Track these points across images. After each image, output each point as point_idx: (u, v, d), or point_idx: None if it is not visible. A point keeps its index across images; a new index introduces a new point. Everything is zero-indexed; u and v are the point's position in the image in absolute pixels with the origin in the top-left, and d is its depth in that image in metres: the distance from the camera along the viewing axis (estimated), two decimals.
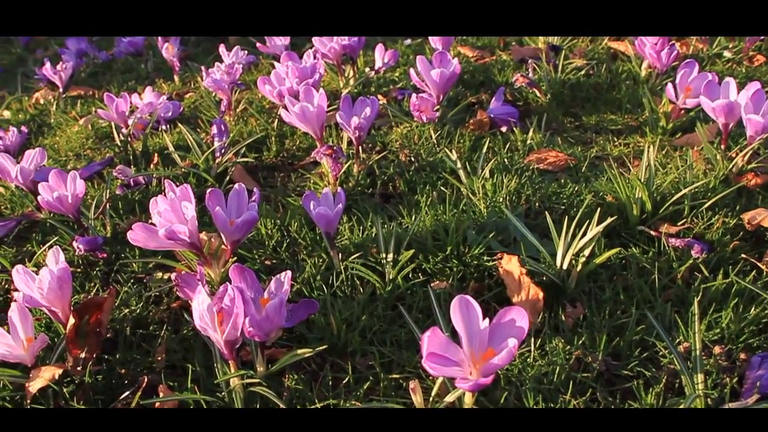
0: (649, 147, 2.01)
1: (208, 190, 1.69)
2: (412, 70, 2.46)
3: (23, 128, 2.74)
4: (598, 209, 1.73)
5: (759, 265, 1.74)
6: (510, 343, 1.12)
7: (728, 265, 1.73)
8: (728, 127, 2.20)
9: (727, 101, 2.10)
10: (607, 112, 2.75)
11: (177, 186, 1.70)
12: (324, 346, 1.42)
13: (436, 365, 1.14)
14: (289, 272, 1.41)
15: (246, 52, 3.35)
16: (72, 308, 1.60)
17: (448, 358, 1.16)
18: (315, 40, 2.94)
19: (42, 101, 3.83)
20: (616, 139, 2.54)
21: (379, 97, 2.90)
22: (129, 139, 2.72)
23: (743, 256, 1.77)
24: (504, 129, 2.53)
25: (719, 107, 2.12)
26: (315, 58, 2.63)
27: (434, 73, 2.36)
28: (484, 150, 2.23)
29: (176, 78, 3.77)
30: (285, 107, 2.16)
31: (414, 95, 2.35)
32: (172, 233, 1.60)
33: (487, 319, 1.18)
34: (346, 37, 2.90)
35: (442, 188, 2.15)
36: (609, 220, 1.68)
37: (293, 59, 2.62)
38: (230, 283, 1.37)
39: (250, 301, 1.34)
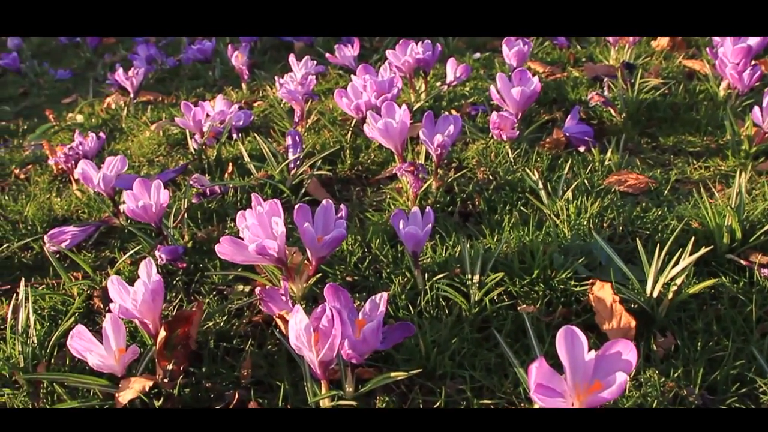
0: (740, 173, 1.96)
1: (297, 206, 1.69)
2: (492, 88, 2.44)
3: (101, 134, 2.79)
4: (692, 238, 1.69)
5: None
6: (619, 378, 1.10)
7: None
8: None
9: None
10: (686, 134, 2.69)
11: (264, 200, 1.71)
12: (418, 370, 1.41)
13: (543, 396, 1.12)
14: (384, 294, 1.41)
15: (315, 62, 3.37)
16: (162, 320, 1.62)
17: (553, 389, 1.15)
18: (389, 53, 2.94)
19: (113, 106, 3.90)
20: (695, 162, 2.49)
21: (452, 111, 2.90)
22: (203, 148, 2.75)
23: None
24: (581, 149, 2.49)
25: None
26: (392, 71, 2.63)
27: (515, 92, 2.35)
28: (565, 171, 2.20)
29: (244, 86, 3.81)
30: (363, 120, 2.16)
31: (494, 113, 2.34)
32: (262, 249, 1.61)
33: (593, 351, 1.16)
34: (421, 51, 2.90)
35: (523, 208, 2.13)
36: (703, 250, 1.64)
37: (370, 72, 2.62)
38: (326, 303, 1.36)
39: (347, 322, 1.33)
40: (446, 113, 2.73)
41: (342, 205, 1.78)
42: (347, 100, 2.52)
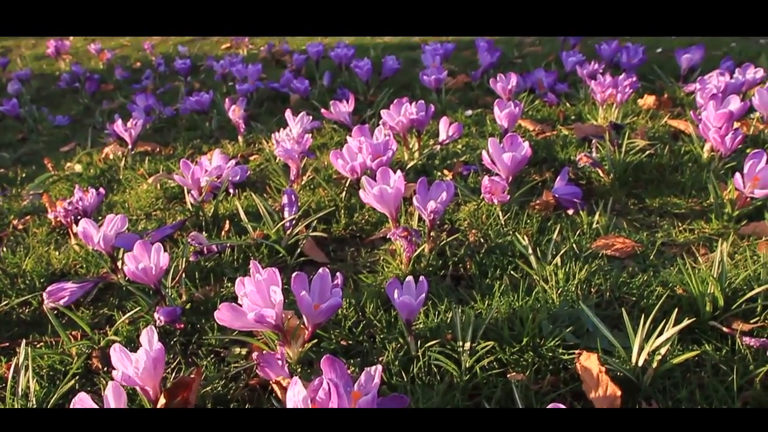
0: (721, 241, 2.03)
1: (294, 275, 1.75)
2: (483, 152, 2.52)
3: (101, 189, 2.84)
4: (676, 305, 1.75)
5: None
6: None
7: None
8: None
9: None
10: (671, 196, 2.77)
11: (260, 261, 1.77)
12: None
13: None
14: (379, 367, 1.46)
15: (311, 117, 3.45)
16: (162, 387, 1.66)
17: None
18: (383, 112, 3.02)
19: (111, 156, 3.96)
20: (680, 224, 2.56)
21: (445, 172, 2.97)
22: (200, 205, 2.81)
23: None
24: (570, 211, 2.57)
25: None
26: (386, 134, 2.71)
27: (506, 157, 2.42)
28: (554, 235, 2.27)
29: (240, 139, 3.88)
30: (358, 180, 2.23)
31: (486, 178, 2.41)
32: (260, 317, 1.66)
33: None
34: (414, 111, 2.98)
35: (512, 273, 2.19)
36: (686, 321, 1.70)
37: (365, 134, 2.70)
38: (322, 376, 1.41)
39: (344, 395, 1.38)
40: (439, 174, 2.82)
41: (338, 273, 1.84)
42: (343, 162, 2.59)
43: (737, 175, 2.45)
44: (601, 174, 2.90)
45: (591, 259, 2.25)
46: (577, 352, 1.74)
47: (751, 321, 1.92)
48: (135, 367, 1.59)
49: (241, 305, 1.74)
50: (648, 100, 3.88)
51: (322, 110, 3.60)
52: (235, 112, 3.82)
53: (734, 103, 2.91)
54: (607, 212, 2.56)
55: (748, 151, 3.13)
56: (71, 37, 8.51)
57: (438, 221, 2.48)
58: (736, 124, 3.43)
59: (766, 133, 3.33)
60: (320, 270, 1.81)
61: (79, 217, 2.69)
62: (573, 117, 3.76)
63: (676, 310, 1.75)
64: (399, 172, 2.18)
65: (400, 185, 2.16)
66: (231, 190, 3.09)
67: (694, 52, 4.25)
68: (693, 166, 2.99)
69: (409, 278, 1.79)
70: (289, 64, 5.47)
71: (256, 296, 1.74)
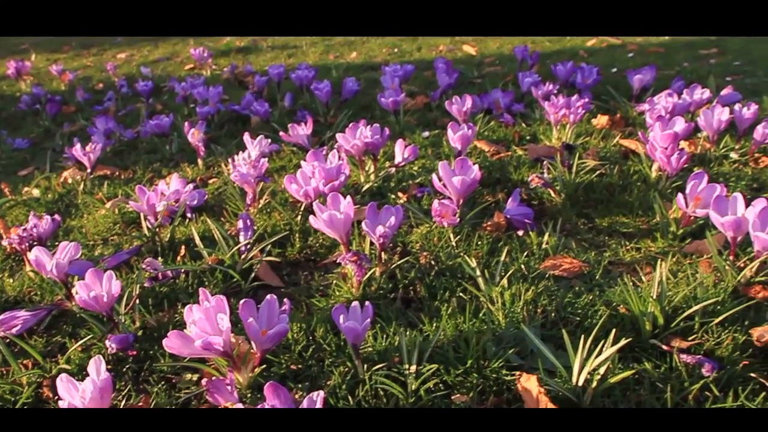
0: (660, 263, 2.09)
1: (242, 302, 1.78)
2: (434, 175, 2.57)
3: (56, 216, 2.84)
4: (613, 330, 1.80)
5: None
6: None
7: (738, 384, 1.80)
8: (736, 239, 2.29)
9: (735, 218, 2.20)
10: (620, 215, 2.84)
11: (216, 293, 1.79)
12: None
13: None
14: (321, 393, 1.49)
15: (269, 140, 3.48)
16: None
17: None
18: (339, 136, 3.06)
19: (70, 180, 3.95)
20: (628, 243, 2.63)
21: (399, 194, 3.02)
22: (156, 230, 2.82)
23: (752, 374, 1.84)
24: (520, 232, 2.62)
25: (727, 223, 2.21)
26: (339, 157, 2.75)
27: (456, 180, 2.47)
28: (502, 256, 2.32)
29: (200, 162, 3.90)
30: (311, 209, 2.26)
31: (436, 201, 2.45)
32: (208, 344, 1.69)
33: None
34: (369, 135, 3.03)
35: (461, 295, 2.23)
36: (623, 341, 1.76)
37: (319, 158, 2.74)
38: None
39: None
40: (393, 197, 2.86)
41: (285, 299, 1.87)
42: (296, 186, 2.63)
43: (680, 195, 2.52)
44: (553, 194, 2.96)
45: (538, 279, 2.30)
46: (517, 373, 1.78)
47: (690, 338, 1.99)
48: (81, 396, 1.61)
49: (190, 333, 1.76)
50: (601, 120, 3.96)
51: (281, 133, 3.63)
52: (194, 136, 3.83)
53: (679, 125, 2.99)
54: (557, 232, 2.62)
55: (695, 169, 3.23)
56: (33, 57, 8.45)
57: (389, 244, 2.52)
58: (683, 144, 3.54)
59: (712, 152, 3.43)
60: (268, 296, 1.84)
61: (34, 244, 2.69)
62: (528, 137, 3.83)
63: (614, 330, 1.81)
64: (348, 197, 2.22)
65: (349, 210, 2.20)
66: (189, 215, 3.10)
67: (646, 73, 4.35)
68: (641, 185, 3.07)
69: (355, 304, 1.82)
70: (250, 85, 5.49)
71: (204, 323, 1.77)
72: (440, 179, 2.55)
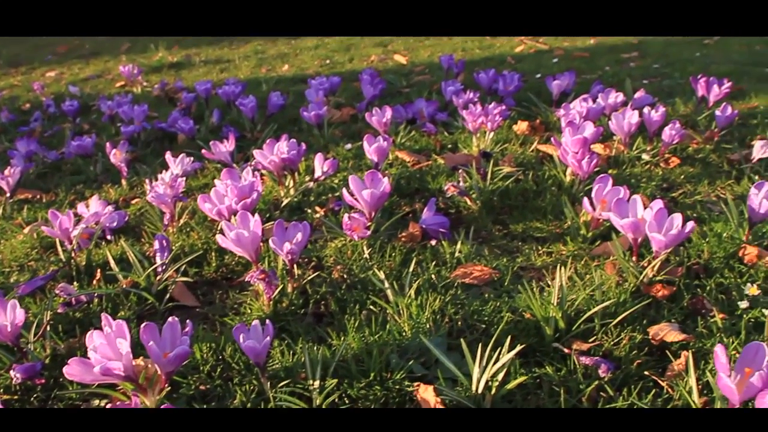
0: (560, 268, 2.14)
1: (143, 325, 1.78)
2: (344, 190, 2.60)
3: None
4: (515, 335, 1.85)
5: (660, 382, 1.87)
6: None
7: (633, 383, 1.86)
8: (637, 241, 2.37)
9: (633, 220, 2.28)
10: (533, 220, 2.91)
11: (124, 319, 1.79)
12: None
13: None
14: None
15: (192, 159, 3.47)
16: None
17: None
18: (255, 152, 3.08)
19: None
20: (540, 248, 2.69)
21: (317, 208, 3.04)
22: (72, 254, 2.80)
23: (647, 372, 1.91)
24: (434, 242, 2.67)
25: (626, 225, 2.29)
26: (254, 175, 2.76)
27: (365, 193, 2.50)
28: (411, 268, 2.36)
29: (124, 182, 3.87)
30: (222, 232, 2.27)
31: (346, 215, 2.48)
32: (107, 370, 1.69)
33: None
34: (286, 150, 3.04)
35: (371, 307, 2.26)
36: (518, 347, 1.81)
37: (233, 177, 2.74)
38: None
39: None
40: (310, 212, 2.88)
41: (188, 321, 1.88)
42: (210, 205, 2.63)
43: (586, 199, 2.59)
44: (469, 202, 3.02)
45: (448, 288, 2.34)
46: (415, 384, 1.82)
47: (590, 340, 2.05)
48: None
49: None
50: (521, 126, 4.04)
51: (203, 151, 3.63)
52: (116, 156, 3.80)
53: (588, 129, 3.08)
54: (470, 240, 2.67)
55: (611, 171, 3.33)
56: None
57: (303, 259, 2.55)
58: (600, 147, 3.64)
59: (625, 153, 3.53)
60: (170, 319, 1.84)
61: None
62: (450, 146, 3.89)
63: (513, 336, 1.86)
64: (257, 216, 2.23)
65: (257, 229, 2.21)
66: (109, 237, 3.08)
67: (564, 79, 4.46)
68: (555, 190, 3.14)
69: (255, 322, 1.84)
70: (179, 102, 5.46)
71: (106, 349, 1.77)
72: (351, 193, 2.58)
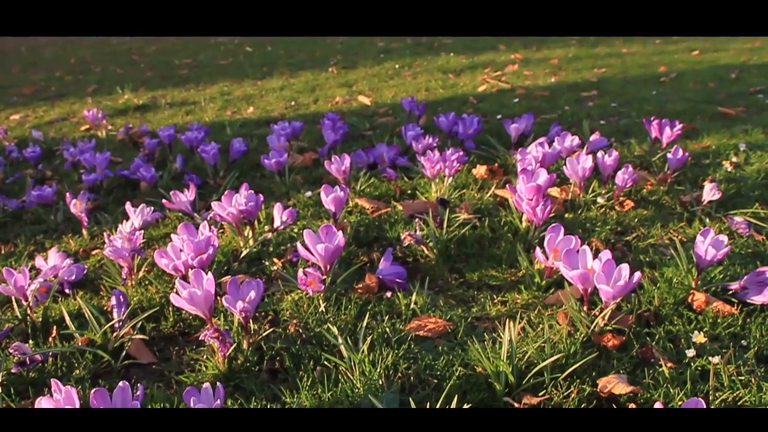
0: (509, 322, 2.18)
1: (93, 391, 1.79)
2: (299, 243, 2.62)
3: None
4: (466, 390, 1.88)
5: None
6: None
7: None
8: (587, 291, 2.41)
9: (581, 272, 2.32)
10: (489, 268, 2.95)
11: (69, 379, 1.79)
12: None
13: None
14: None
15: (152, 208, 3.47)
16: None
17: None
18: (214, 204, 3.10)
19: None
20: (495, 297, 2.73)
21: (275, 260, 3.06)
22: (28, 311, 2.78)
23: None
24: (389, 294, 2.70)
25: (575, 276, 2.34)
26: (211, 229, 2.77)
27: (320, 248, 2.53)
28: (365, 322, 2.38)
29: (85, 233, 3.86)
30: (184, 278, 2.29)
31: (301, 270, 2.51)
32: None
33: None
34: (243, 202, 3.07)
35: (326, 363, 2.28)
36: (467, 404, 1.83)
37: (189, 231, 2.76)
38: None
39: None
40: (267, 264, 2.89)
41: (139, 384, 1.88)
42: (166, 261, 2.64)
43: (538, 249, 2.64)
44: (426, 251, 3.05)
45: (401, 342, 2.37)
46: None
47: (540, 394, 2.08)
48: None
49: None
50: (480, 170, 4.10)
51: (163, 201, 3.64)
52: (76, 207, 3.80)
53: (542, 177, 3.13)
54: (425, 290, 2.71)
55: (567, 216, 3.39)
56: None
57: (255, 314, 2.56)
58: (556, 190, 3.71)
59: (581, 197, 3.60)
60: (120, 383, 1.85)
61: None
62: (409, 191, 3.94)
63: (469, 386, 1.89)
64: (210, 274, 2.25)
65: (210, 288, 2.22)
66: (67, 290, 3.07)
67: (521, 122, 4.54)
68: (511, 236, 3.19)
69: (206, 385, 1.85)
70: (142, 147, 5.46)
71: None
72: (306, 247, 2.60)
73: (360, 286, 2.76)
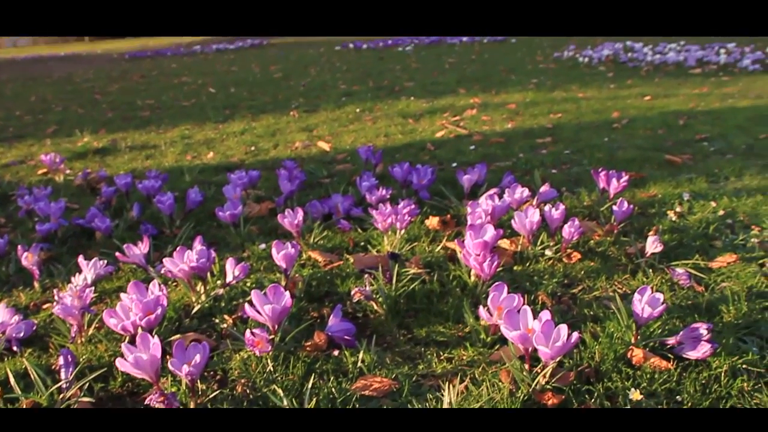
0: (449, 385, 2.24)
1: None
2: (246, 305, 2.66)
3: None
4: None
5: None
6: None
7: None
8: (528, 350, 2.48)
9: (520, 333, 2.39)
10: (437, 324, 3.00)
11: None
12: None
13: None
14: None
15: (105, 262, 3.49)
16: None
17: None
18: (166, 261, 3.12)
19: None
20: (442, 353, 2.78)
21: (225, 317, 3.09)
22: None
23: None
24: (337, 353, 2.74)
25: (515, 337, 2.41)
26: (161, 288, 2.80)
27: (267, 308, 2.57)
28: (311, 382, 2.42)
29: (37, 285, 3.84)
30: (134, 337, 2.31)
31: (248, 332, 2.54)
32: None
33: None
34: (195, 258, 3.10)
35: None
36: None
37: (139, 290, 2.78)
38: None
39: None
40: (218, 321, 2.92)
41: None
42: (115, 321, 2.66)
43: (481, 308, 2.71)
44: (376, 306, 3.11)
45: (347, 402, 2.41)
46: None
47: None
48: None
49: None
50: (433, 221, 4.18)
51: (117, 254, 3.65)
52: (27, 260, 3.79)
53: (489, 233, 3.22)
54: (373, 348, 2.75)
55: (516, 268, 3.47)
56: None
57: (204, 373, 2.58)
58: (507, 243, 3.79)
59: (529, 250, 3.69)
60: None
61: None
62: (363, 243, 3.99)
63: None
64: (155, 338, 2.28)
65: (156, 352, 2.25)
66: (15, 348, 3.06)
67: (474, 173, 4.64)
68: (459, 291, 3.26)
69: None
70: (99, 195, 5.46)
71: None
72: (254, 307, 2.64)
73: (309, 343, 2.80)
